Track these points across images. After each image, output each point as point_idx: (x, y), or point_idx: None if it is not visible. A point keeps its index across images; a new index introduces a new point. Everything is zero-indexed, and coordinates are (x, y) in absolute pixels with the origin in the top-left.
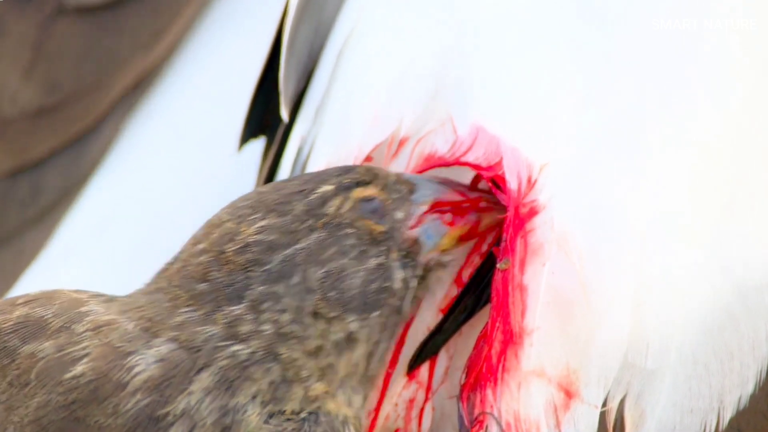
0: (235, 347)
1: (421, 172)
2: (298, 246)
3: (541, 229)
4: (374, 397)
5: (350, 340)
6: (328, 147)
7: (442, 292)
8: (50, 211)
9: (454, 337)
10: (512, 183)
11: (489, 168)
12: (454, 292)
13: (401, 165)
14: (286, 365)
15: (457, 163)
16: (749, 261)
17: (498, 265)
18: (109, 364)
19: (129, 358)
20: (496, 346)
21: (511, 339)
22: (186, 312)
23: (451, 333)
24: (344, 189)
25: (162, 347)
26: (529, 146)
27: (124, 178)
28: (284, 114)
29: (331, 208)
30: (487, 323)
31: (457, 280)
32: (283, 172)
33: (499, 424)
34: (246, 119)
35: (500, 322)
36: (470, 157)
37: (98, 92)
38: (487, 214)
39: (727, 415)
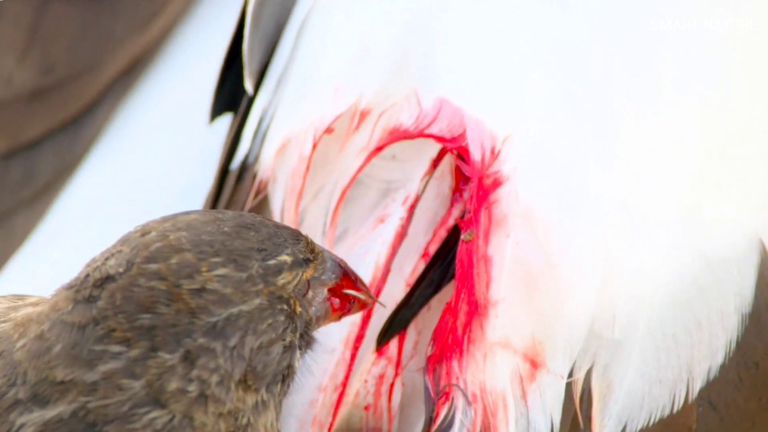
0: (153, 414)
1: (385, 145)
2: (243, 308)
3: (505, 200)
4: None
5: (262, 406)
6: (288, 118)
7: (409, 266)
8: (43, 193)
9: (423, 311)
10: (476, 154)
11: (452, 140)
12: (422, 266)
13: (363, 137)
14: (197, 431)
15: (421, 135)
16: (717, 237)
17: (462, 237)
18: None
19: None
20: (461, 318)
21: (476, 310)
22: (115, 355)
23: (419, 307)
24: (299, 265)
25: (47, 413)
26: (494, 118)
27: (118, 160)
28: (248, 86)
29: (282, 280)
30: (452, 295)
31: (424, 254)
32: (244, 143)
33: (465, 395)
34: (215, 92)
35: (465, 293)
36: (434, 129)
37: (93, 74)
38: (359, 306)
39: (697, 386)
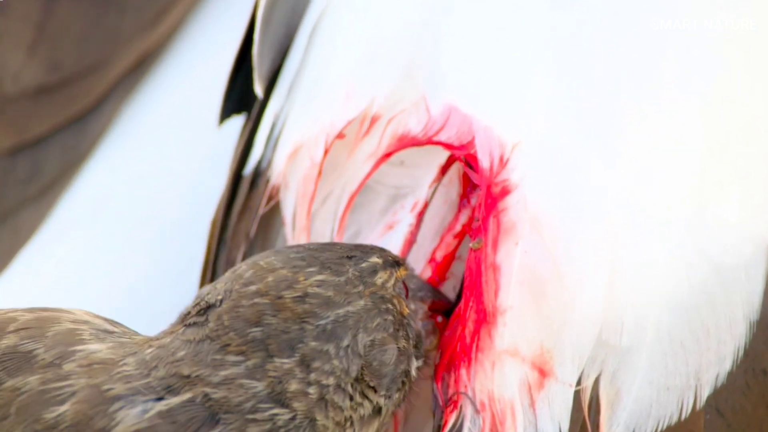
0: (276, 410)
1: (394, 152)
2: (350, 309)
3: (513, 208)
4: None
5: (374, 414)
6: (299, 123)
7: (417, 272)
8: (49, 190)
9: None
10: (484, 162)
11: (461, 147)
12: (429, 272)
13: (372, 143)
14: None
15: (430, 142)
16: (724, 242)
17: (471, 245)
18: (94, 408)
19: (115, 405)
20: (470, 326)
21: (485, 318)
22: (234, 363)
23: None
24: (390, 265)
25: (174, 399)
26: (502, 125)
27: (124, 157)
28: (258, 90)
29: (379, 279)
30: (460, 303)
31: (431, 260)
32: (257, 149)
33: (473, 404)
34: (225, 94)
35: (473, 301)
36: (443, 137)
37: (100, 71)
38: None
39: (705, 393)
